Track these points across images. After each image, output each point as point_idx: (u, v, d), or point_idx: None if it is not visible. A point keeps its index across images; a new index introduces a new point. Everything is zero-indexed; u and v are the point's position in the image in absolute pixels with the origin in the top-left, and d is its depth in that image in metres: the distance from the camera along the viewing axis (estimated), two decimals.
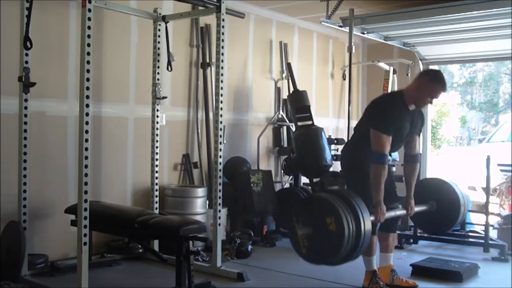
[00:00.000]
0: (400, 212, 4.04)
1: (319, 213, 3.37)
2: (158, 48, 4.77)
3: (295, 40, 6.92)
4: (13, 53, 4.01)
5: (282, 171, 6.40)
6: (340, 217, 3.25)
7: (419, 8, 5.01)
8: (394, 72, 7.09)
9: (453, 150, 18.50)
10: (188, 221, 3.83)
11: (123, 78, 5.04)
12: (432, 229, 4.45)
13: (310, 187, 5.84)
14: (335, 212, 3.28)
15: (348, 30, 5.34)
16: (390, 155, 4.00)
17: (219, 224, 4.26)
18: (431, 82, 3.81)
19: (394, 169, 6.12)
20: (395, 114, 3.75)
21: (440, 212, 4.35)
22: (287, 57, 6.63)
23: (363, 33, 5.76)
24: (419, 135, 4.09)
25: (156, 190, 4.80)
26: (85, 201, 3.42)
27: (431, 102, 3.86)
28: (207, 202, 5.18)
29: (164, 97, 4.89)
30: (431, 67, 6.95)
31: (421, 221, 4.50)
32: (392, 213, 3.87)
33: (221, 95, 4.27)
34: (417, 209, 4.13)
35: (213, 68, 5.49)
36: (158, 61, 4.79)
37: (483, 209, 5.38)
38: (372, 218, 3.54)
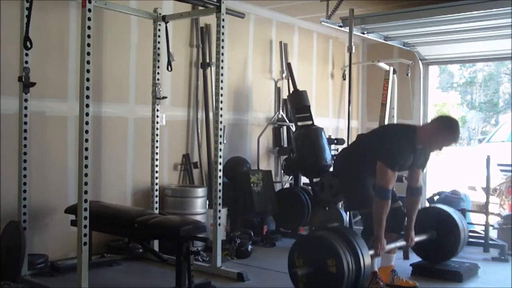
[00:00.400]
0: (400, 243, 4.07)
1: (320, 253, 3.42)
2: (158, 48, 4.77)
3: (295, 40, 6.92)
4: (13, 53, 4.01)
5: (282, 171, 6.40)
6: (341, 259, 3.32)
7: (419, 8, 5.00)
8: (394, 72, 7.09)
9: (453, 150, 18.49)
10: (188, 221, 3.83)
11: (123, 78, 5.04)
12: (432, 258, 4.45)
13: (310, 187, 5.84)
14: (336, 254, 3.34)
15: (348, 30, 5.33)
16: None
17: (219, 224, 4.26)
18: (448, 132, 3.78)
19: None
20: (404, 151, 3.77)
21: (440, 240, 4.38)
22: (287, 57, 6.63)
23: (363, 33, 5.76)
24: (422, 169, 4.08)
25: (156, 190, 4.81)
26: (85, 201, 3.42)
27: (440, 149, 3.89)
28: (207, 202, 5.18)
29: (164, 97, 4.89)
30: (431, 67, 6.96)
31: (422, 251, 4.49)
32: (392, 245, 3.92)
33: (221, 95, 4.27)
34: (417, 239, 4.15)
35: (213, 68, 5.49)
36: (158, 61, 4.79)
37: (483, 209, 5.39)
38: (371, 252, 3.60)
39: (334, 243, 3.38)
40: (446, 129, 3.77)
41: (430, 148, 3.92)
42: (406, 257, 4.31)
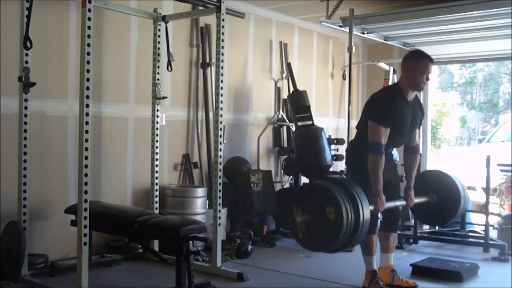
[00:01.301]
0: (400, 202, 4.02)
1: (319, 201, 3.39)
2: (158, 48, 4.77)
3: (295, 40, 6.92)
4: (13, 53, 4.01)
5: (282, 171, 6.40)
6: (340, 207, 3.26)
7: (419, 8, 5.00)
8: (394, 72, 7.09)
9: (453, 150, 18.51)
10: (188, 221, 3.83)
11: (123, 78, 5.04)
12: (431, 221, 4.45)
13: None
14: (335, 201, 3.29)
15: (348, 30, 5.34)
16: (391, 150, 4.00)
17: (219, 224, 4.26)
18: (418, 59, 3.80)
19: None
20: (392, 105, 3.74)
21: (440, 204, 4.34)
22: (287, 57, 6.63)
23: (363, 33, 5.76)
24: (418, 128, 4.08)
25: (156, 190, 4.81)
26: (85, 201, 3.42)
27: (427, 79, 3.82)
28: (207, 202, 5.18)
29: (164, 97, 4.89)
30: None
31: (421, 213, 4.49)
32: (391, 204, 3.85)
33: (221, 95, 4.27)
34: (417, 200, 4.11)
35: (213, 68, 5.49)
36: (158, 61, 4.79)
37: (483, 209, 5.38)
38: (371, 207, 3.55)
39: (333, 191, 3.34)
40: (416, 58, 3.81)
41: (419, 86, 3.84)
42: (406, 218, 4.28)
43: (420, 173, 4.13)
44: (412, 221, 5.68)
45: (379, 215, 3.91)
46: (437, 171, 4.67)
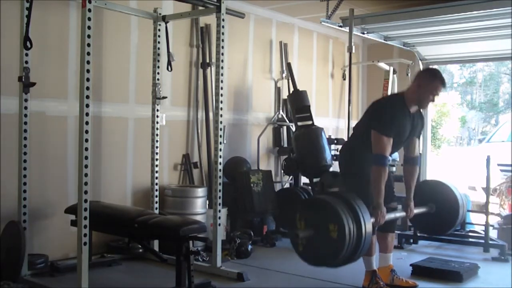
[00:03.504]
0: (400, 214, 4.06)
1: (323, 217, 3.39)
2: (158, 48, 4.77)
3: (295, 40, 6.92)
4: (13, 53, 4.01)
5: (282, 171, 6.40)
6: (343, 225, 3.27)
7: (419, 8, 5.00)
8: (394, 72, 7.09)
9: (453, 150, 18.50)
10: (188, 221, 3.83)
11: (123, 78, 5.04)
12: (431, 231, 4.44)
13: (310, 187, 5.84)
14: (339, 219, 3.29)
15: (348, 30, 5.33)
16: (390, 155, 4.01)
17: (219, 224, 4.26)
18: (431, 80, 3.80)
19: (394, 169, 6.13)
20: (396, 115, 3.76)
21: (439, 213, 4.35)
22: (287, 57, 6.62)
23: (363, 33, 5.76)
24: (419, 138, 4.10)
25: (156, 190, 4.81)
26: (85, 201, 3.42)
27: (433, 100, 3.85)
28: (207, 202, 5.18)
29: (164, 97, 4.89)
30: (431, 67, 6.95)
31: (421, 223, 4.49)
32: (391, 215, 3.88)
33: (221, 95, 4.27)
34: (416, 211, 4.14)
35: (213, 68, 5.49)
36: (158, 61, 4.79)
37: (483, 209, 5.38)
38: (372, 220, 3.55)
39: (338, 208, 3.33)
40: (430, 77, 3.79)
41: (423, 104, 3.86)
42: (405, 228, 4.29)
43: (418, 183, 4.13)
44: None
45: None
46: (435, 181, 4.70)
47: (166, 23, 4.72)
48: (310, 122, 5.84)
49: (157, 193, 4.81)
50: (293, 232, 3.46)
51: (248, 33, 6.28)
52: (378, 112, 3.82)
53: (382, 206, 3.66)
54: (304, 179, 6.08)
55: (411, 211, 4.07)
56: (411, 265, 4.44)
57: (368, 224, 3.38)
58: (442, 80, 3.82)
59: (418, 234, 5.45)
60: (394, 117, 3.75)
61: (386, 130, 3.69)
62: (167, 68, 4.79)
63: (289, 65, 6.33)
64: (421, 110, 4.02)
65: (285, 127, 6.58)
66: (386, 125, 3.71)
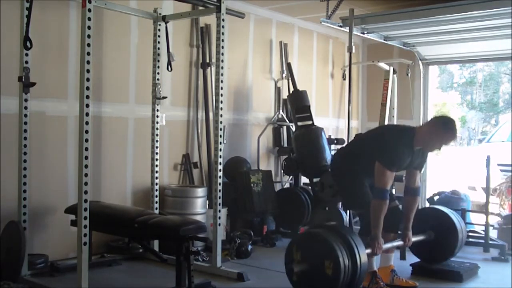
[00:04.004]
0: (398, 243, 4.08)
1: (319, 252, 3.43)
2: (158, 48, 4.77)
3: (295, 40, 6.92)
4: (13, 53, 4.01)
5: (282, 171, 6.40)
6: (339, 262, 3.32)
7: (419, 8, 5.00)
8: (394, 72, 7.08)
9: (453, 150, 18.50)
10: (188, 221, 3.83)
11: (123, 78, 5.04)
12: (431, 259, 4.44)
13: (310, 187, 5.84)
14: (334, 256, 3.34)
15: (348, 30, 5.33)
16: None
17: (219, 224, 4.26)
18: (445, 132, 3.79)
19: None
20: (402, 152, 3.80)
21: (438, 241, 4.39)
22: (287, 57, 6.62)
23: (363, 33, 5.76)
24: (420, 170, 4.11)
25: (156, 190, 4.80)
26: (85, 201, 3.42)
27: (439, 149, 3.90)
28: (207, 202, 5.18)
29: (164, 97, 4.89)
30: (431, 67, 6.96)
31: (421, 251, 4.49)
32: (389, 245, 3.94)
33: (221, 95, 4.27)
34: (414, 239, 4.16)
35: (213, 68, 5.49)
36: (158, 61, 4.79)
37: (483, 209, 5.38)
38: (368, 251, 3.61)
39: (334, 245, 3.39)
40: (443, 130, 3.78)
41: (429, 149, 3.94)
42: (402, 257, 4.33)
43: (416, 211, 4.15)
44: None
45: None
46: (433, 208, 4.76)
47: (166, 23, 4.72)
48: (310, 122, 5.84)
49: (157, 193, 4.81)
50: (289, 265, 3.53)
51: (248, 33, 6.28)
52: (386, 145, 3.84)
53: (380, 237, 3.73)
54: (304, 179, 6.08)
55: (409, 241, 4.11)
56: (411, 265, 4.44)
57: (363, 257, 3.45)
58: (455, 134, 3.82)
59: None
60: (400, 153, 3.79)
61: (391, 165, 3.74)
62: (167, 68, 4.79)
63: (289, 65, 6.33)
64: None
65: (285, 127, 6.58)
66: (392, 160, 3.76)
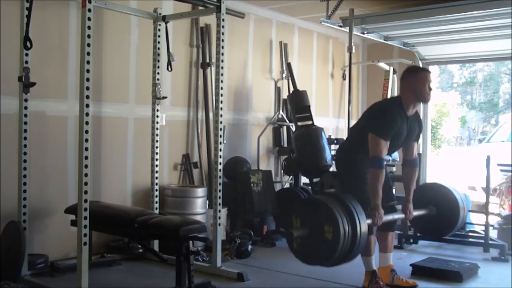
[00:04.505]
0: (398, 216, 4.07)
1: (319, 217, 3.40)
2: (158, 48, 4.77)
3: (295, 40, 6.92)
4: (13, 53, 4.01)
5: (282, 171, 6.40)
6: (338, 226, 3.29)
7: (419, 8, 5.00)
8: (394, 72, 7.09)
9: (453, 150, 18.51)
10: (188, 221, 3.83)
11: (123, 78, 5.04)
12: (432, 234, 4.44)
13: (310, 187, 5.84)
14: (334, 220, 3.31)
15: (348, 30, 5.33)
16: (390, 156, 4.03)
17: (219, 224, 4.26)
18: (416, 73, 3.88)
19: (394, 169, 6.14)
20: (393, 119, 3.77)
21: (440, 216, 4.36)
22: (287, 57, 6.63)
23: (363, 33, 5.76)
24: (417, 141, 4.11)
25: (156, 190, 4.80)
26: (85, 201, 3.42)
27: (430, 89, 3.87)
28: (207, 202, 5.18)
29: (164, 97, 4.89)
30: (431, 67, 6.95)
31: (421, 226, 4.49)
32: (389, 217, 3.90)
33: (221, 95, 4.27)
34: (416, 213, 4.15)
35: (213, 68, 5.49)
36: (158, 61, 4.79)
37: (483, 209, 5.38)
38: (369, 221, 3.57)
39: (333, 209, 3.35)
40: (416, 72, 3.89)
41: (422, 98, 3.87)
42: (405, 229, 4.29)
43: (418, 186, 4.13)
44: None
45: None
46: (436, 183, 4.71)
47: (166, 23, 4.72)
48: (310, 122, 5.84)
49: (157, 193, 4.81)
50: (288, 230, 3.48)
51: (248, 33, 6.28)
52: (376, 115, 3.85)
53: (380, 207, 3.68)
54: (304, 179, 6.08)
55: (410, 213, 4.08)
56: (411, 265, 4.43)
57: (363, 225, 3.40)
58: (425, 69, 3.93)
59: (418, 234, 5.46)
60: (391, 120, 3.76)
61: (383, 133, 3.71)
62: (167, 68, 4.79)
63: (289, 65, 6.33)
64: (420, 118, 4.04)
65: (285, 127, 6.58)
66: (384, 128, 3.73)
